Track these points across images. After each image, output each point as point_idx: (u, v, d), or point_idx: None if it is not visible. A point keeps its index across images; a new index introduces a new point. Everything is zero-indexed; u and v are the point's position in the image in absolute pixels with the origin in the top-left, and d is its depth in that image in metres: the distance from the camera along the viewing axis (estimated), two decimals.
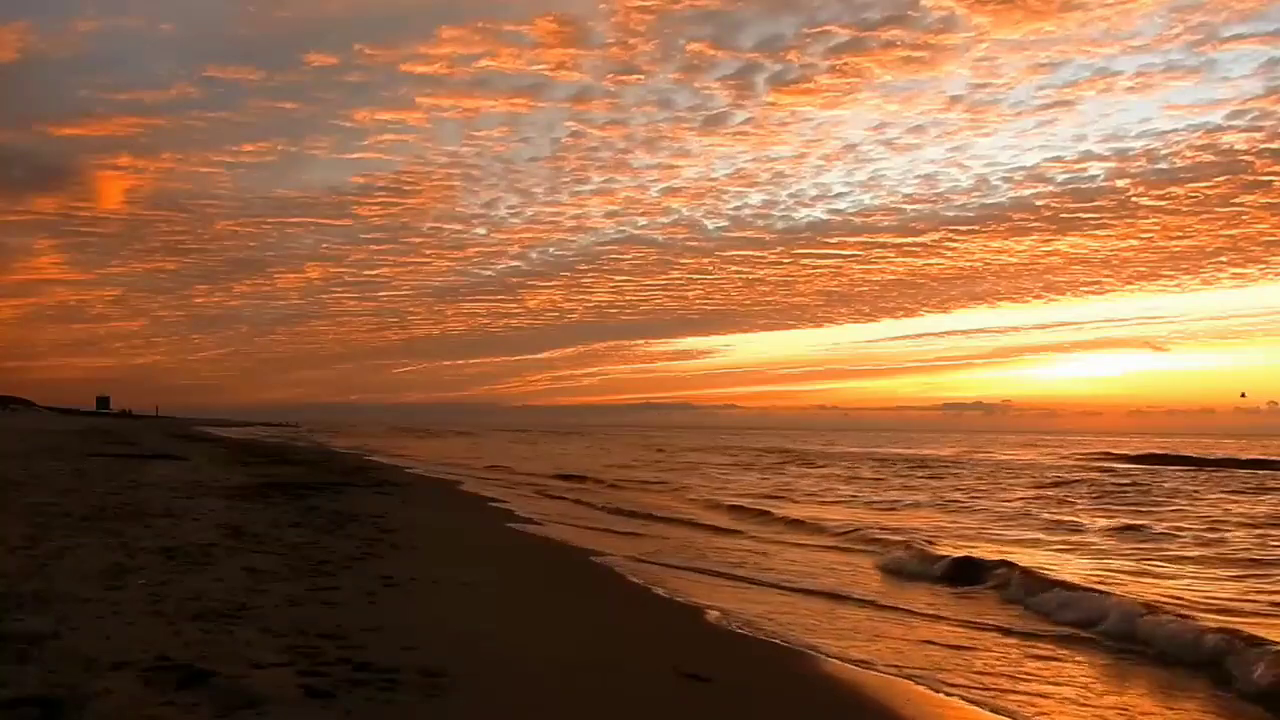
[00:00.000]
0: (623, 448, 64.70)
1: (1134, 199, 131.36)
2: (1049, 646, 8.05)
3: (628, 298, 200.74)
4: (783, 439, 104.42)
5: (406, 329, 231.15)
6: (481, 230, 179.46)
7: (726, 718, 5.40)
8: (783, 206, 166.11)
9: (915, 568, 12.23)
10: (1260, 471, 38.47)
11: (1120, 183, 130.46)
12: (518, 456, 46.07)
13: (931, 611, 9.49)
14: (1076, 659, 7.68)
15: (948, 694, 6.33)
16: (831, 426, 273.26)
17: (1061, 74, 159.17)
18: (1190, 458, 48.98)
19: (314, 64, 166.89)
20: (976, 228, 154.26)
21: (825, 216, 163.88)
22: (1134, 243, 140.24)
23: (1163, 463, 45.46)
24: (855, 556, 13.51)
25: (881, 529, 16.27)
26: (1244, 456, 50.08)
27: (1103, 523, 18.27)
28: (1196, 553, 14.22)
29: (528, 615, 7.84)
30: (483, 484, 25.55)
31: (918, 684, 6.58)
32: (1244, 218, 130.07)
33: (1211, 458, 48.18)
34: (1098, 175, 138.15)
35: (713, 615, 8.37)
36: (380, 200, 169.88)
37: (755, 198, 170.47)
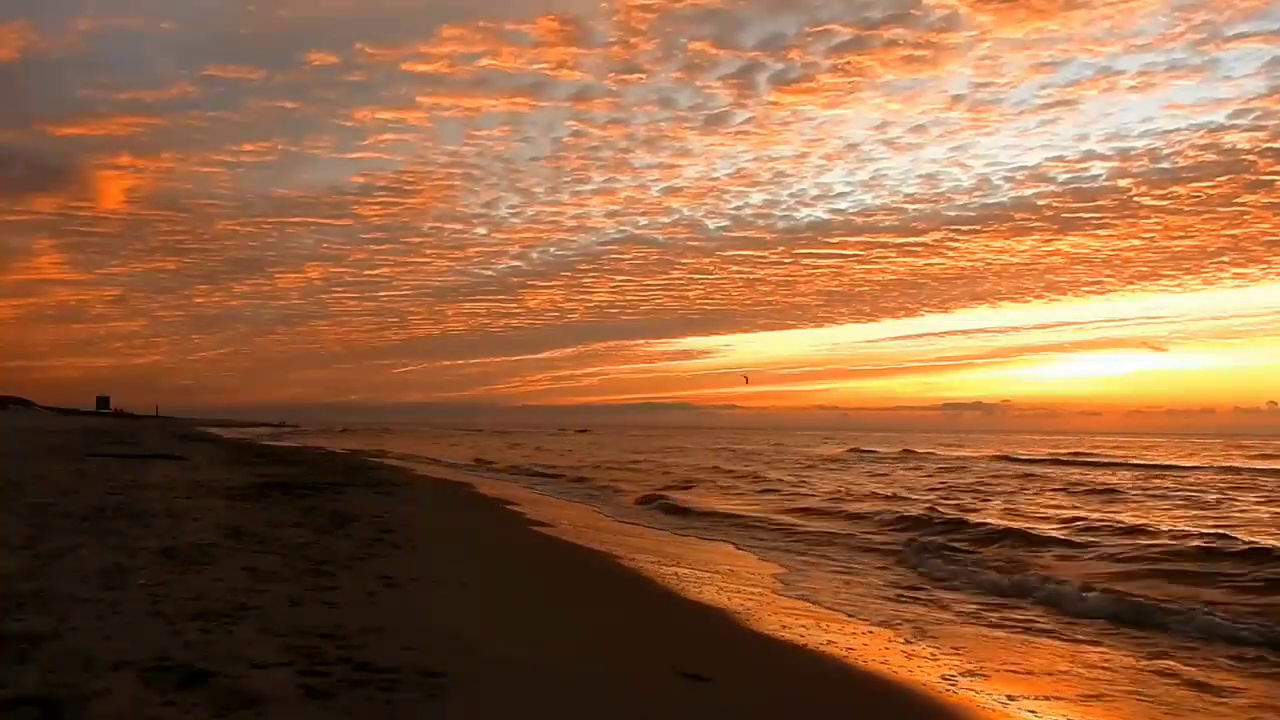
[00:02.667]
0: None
1: (1136, 199, 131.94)
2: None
3: (628, 298, 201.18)
4: (740, 439, 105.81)
5: (406, 329, 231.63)
6: (482, 230, 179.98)
7: (727, 718, 5.39)
8: (784, 206, 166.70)
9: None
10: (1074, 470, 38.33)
11: (1122, 182, 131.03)
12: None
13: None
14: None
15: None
16: (830, 426, 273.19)
17: (1064, 73, 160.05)
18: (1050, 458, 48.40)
19: (314, 63, 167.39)
20: (978, 227, 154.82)
21: (826, 216, 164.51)
22: (1135, 242, 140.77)
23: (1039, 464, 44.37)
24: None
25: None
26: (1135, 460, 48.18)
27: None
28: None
29: (529, 614, 7.83)
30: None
31: (931, 688, 6.57)
32: (1246, 217, 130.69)
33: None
34: (1100, 175, 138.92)
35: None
36: (380, 200, 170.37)
37: (756, 197, 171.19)
